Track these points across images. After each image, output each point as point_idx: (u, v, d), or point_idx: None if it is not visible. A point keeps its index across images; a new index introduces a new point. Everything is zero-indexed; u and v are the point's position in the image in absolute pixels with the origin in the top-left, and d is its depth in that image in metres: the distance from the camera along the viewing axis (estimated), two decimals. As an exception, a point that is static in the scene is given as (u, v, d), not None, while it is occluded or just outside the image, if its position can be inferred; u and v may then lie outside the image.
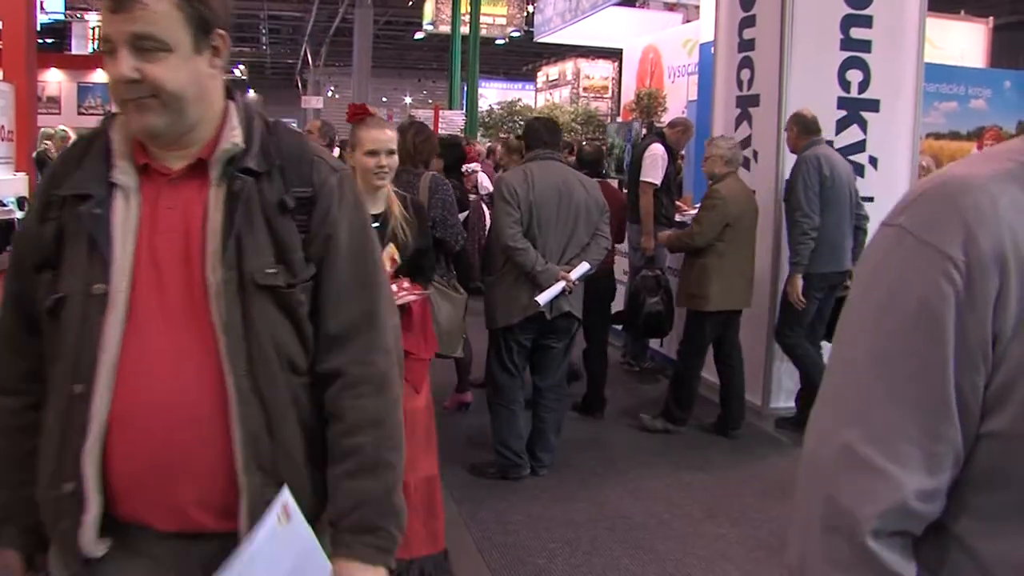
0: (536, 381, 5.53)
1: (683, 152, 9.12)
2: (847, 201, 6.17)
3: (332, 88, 49.38)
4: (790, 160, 6.48)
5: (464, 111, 22.74)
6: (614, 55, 21.49)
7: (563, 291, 5.18)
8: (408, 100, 49.08)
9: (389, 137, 3.72)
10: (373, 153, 3.66)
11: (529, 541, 4.57)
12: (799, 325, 6.22)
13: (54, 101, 16.33)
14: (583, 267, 5.25)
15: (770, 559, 4.43)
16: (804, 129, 6.25)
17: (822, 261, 6.11)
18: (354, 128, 3.78)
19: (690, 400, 6.32)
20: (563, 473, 5.51)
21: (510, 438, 5.41)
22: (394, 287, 3.42)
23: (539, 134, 5.55)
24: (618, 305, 7.02)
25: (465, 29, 24.42)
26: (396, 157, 3.76)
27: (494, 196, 5.43)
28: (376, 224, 3.46)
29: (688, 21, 15.88)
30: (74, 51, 22.20)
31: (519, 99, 23.07)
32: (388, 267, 3.44)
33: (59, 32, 24.69)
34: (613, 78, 26.38)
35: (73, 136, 8.21)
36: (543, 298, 5.13)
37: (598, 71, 27.77)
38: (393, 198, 3.81)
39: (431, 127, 20.89)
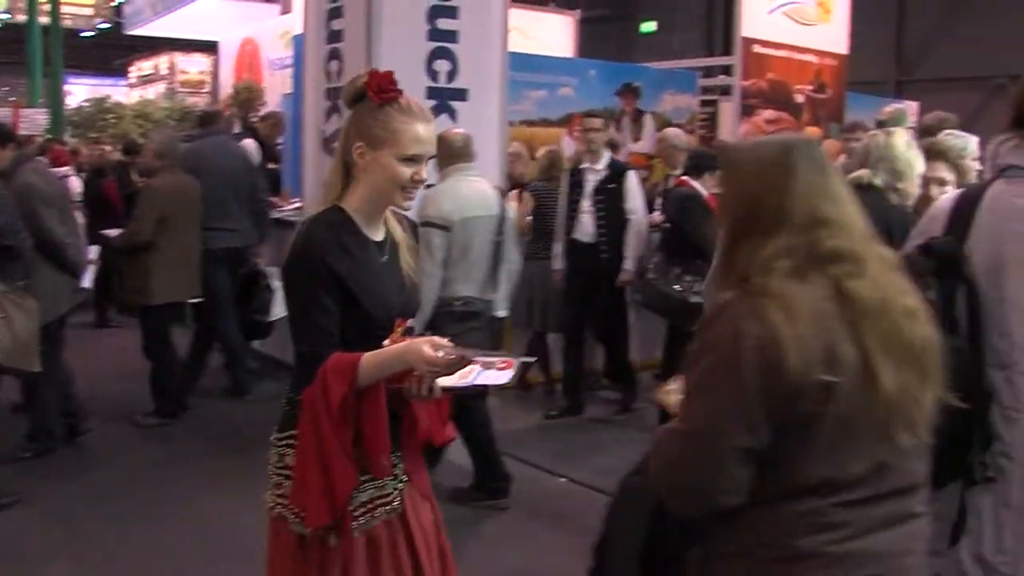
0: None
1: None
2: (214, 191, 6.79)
3: None
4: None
5: (48, 109, 21.05)
6: (211, 48, 20.68)
7: None
8: (-15, 98, 44.79)
9: (434, 136, 2.52)
10: (414, 160, 2.41)
11: None
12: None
13: None
14: None
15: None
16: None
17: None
18: (374, 114, 2.45)
19: (181, 389, 6.65)
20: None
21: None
22: (489, 359, 2.21)
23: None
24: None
25: (46, 19, 22.60)
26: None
27: None
28: (384, 258, 2.47)
29: (286, 13, 15.49)
30: None
31: (109, 95, 21.71)
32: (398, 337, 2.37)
33: None
34: (211, 72, 25.35)
35: None
36: None
37: (194, 65, 26.45)
38: (391, 219, 2.57)
39: (9, 126, 19.24)
